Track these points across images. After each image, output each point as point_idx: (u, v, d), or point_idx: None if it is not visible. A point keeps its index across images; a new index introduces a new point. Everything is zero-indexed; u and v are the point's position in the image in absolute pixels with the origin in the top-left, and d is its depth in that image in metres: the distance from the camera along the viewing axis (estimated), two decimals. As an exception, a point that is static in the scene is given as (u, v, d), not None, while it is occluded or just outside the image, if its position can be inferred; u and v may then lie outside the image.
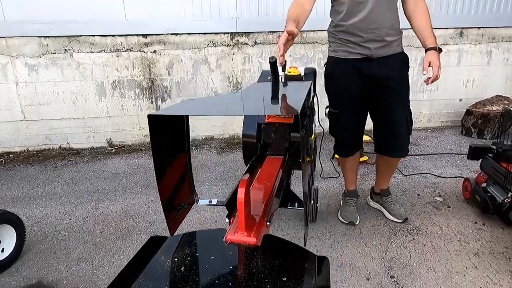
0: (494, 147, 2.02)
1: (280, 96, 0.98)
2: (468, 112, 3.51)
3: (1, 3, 2.96)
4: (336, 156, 2.16)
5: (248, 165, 1.26)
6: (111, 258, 1.79)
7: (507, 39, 3.67)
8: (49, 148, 3.40)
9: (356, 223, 2.02)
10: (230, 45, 3.34)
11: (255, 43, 3.37)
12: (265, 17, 3.29)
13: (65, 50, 3.17)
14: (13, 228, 1.75)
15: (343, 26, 1.74)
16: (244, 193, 0.92)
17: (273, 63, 1.48)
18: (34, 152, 3.36)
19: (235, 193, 1.04)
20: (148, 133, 3.30)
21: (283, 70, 1.80)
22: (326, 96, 1.93)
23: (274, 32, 3.35)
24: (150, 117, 0.85)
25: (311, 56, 3.47)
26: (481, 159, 2.12)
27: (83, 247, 1.89)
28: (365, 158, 2.91)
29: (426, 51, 1.73)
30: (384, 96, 1.82)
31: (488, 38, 3.65)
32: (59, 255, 1.82)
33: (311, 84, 1.29)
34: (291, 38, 1.44)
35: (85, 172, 2.91)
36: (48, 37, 3.12)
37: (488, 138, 3.42)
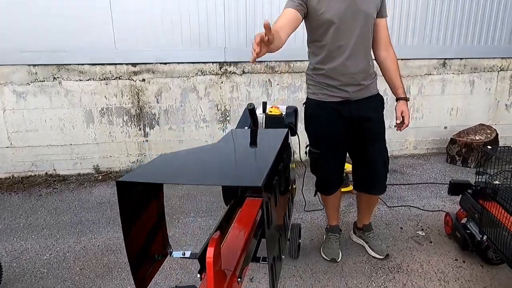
0: (473, 184, 2.05)
1: (248, 158, 1.00)
2: (452, 141, 3.57)
3: (-9, 33, 2.99)
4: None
5: (224, 214, 1.27)
6: (89, 298, 1.77)
7: (488, 70, 3.78)
8: (35, 175, 3.38)
9: (338, 260, 2.02)
10: (218, 74, 3.40)
11: (243, 72, 3.43)
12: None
13: (54, 78, 3.19)
14: (-11, 269, 1.72)
15: (322, 69, 1.79)
16: (213, 252, 0.93)
17: (251, 110, 1.51)
18: (20, 178, 3.33)
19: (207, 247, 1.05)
20: (136, 161, 3.26)
21: (264, 111, 1.84)
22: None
23: (262, 61, 3.41)
24: (119, 184, 0.86)
25: (298, 85, 3.53)
26: (461, 195, 2.15)
27: (61, 286, 1.86)
28: (349, 188, 2.93)
29: (397, 100, 1.88)
30: (363, 137, 1.86)
31: (470, 69, 3.75)
32: (36, 295, 1.79)
33: (286, 133, 1.32)
34: (267, 40, 1.31)
35: (70, 201, 2.89)
36: (38, 65, 3.14)
37: (472, 166, 3.47)
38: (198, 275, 1.06)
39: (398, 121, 1.86)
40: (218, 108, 3.49)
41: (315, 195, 2.08)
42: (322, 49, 1.76)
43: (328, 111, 1.83)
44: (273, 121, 1.83)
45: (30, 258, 2.11)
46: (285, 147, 1.26)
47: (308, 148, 1.96)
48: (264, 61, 3.42)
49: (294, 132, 1.91)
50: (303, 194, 2.52)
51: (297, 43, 3.36)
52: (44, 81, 3.19)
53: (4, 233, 2.41)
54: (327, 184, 2.01)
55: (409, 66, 3.63)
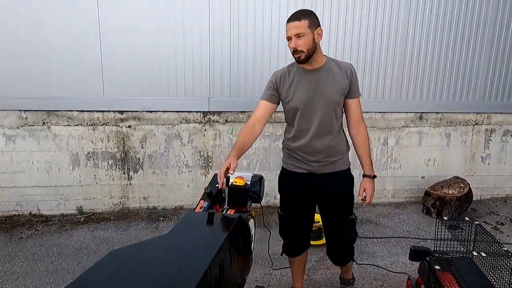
0: (431, 252, 2.14)
1: (184, 266, 1.09)
2: (427, 193, 3.68)
3: (-14, 80, 3.15)
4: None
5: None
6: None
7: (463, 123, 3.93)
8: (19, 214, 3.46)
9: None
10: (202, 122, 3.54)
11: (226, 121, 3.58)
12: (236, 98, 3.52)
13: (44, 123, 3.33)
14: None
15: (290, 146, 1.99)
16: None
17: (208, 193, 1.63)
18: (3, 218, 3.41)
19: None
20: (119, 203, 3.32)
21: (227, 184, 1.95)
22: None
23: (244, 112, 3.56)
24: None
25: (279, 134, 3.67)
26: (419, 262, 2.23)
27: None
28: (322, 241, 3.01)
29: (363, 176, 2.00)
30: (329, 208, 2.01)
31: (446, 122, 3.91)
32: None
33: (237, 220, 1.42)
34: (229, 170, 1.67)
35: (49, 247, 2.96)
36: (28, 111, 3.29)
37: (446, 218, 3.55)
38: None
39: (360, 198, 1.99)
40: (201, 155, 3.62)
41: (281, 254, 2.19)
42: (291, 129, 1.98)
43: (295, 180, 2.01)
44: (237, 192, 1.94)
45: (1, 312, 2.17)
46: (232, 237, 1.37)
47: (279, 210, 2.12)
48: (247, 111, 3.57)
49: (257, 200, 2.02)
50: (269, 253, 2.56)
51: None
52: (33, 125, 3.33)
53: (-20, 281, 2.48)
54: (292, 246, 2.13)
55: (387, 118, 3.78)
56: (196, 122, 3.54)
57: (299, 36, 1.76)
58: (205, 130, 3.57)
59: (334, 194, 1.97)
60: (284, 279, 2.55)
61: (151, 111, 3.45)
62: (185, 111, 3.49)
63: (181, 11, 3.28)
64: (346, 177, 2.02)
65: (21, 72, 3.18)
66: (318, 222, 3.07)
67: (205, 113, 3.53)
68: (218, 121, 3.57)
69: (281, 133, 3.67)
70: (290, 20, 1.78)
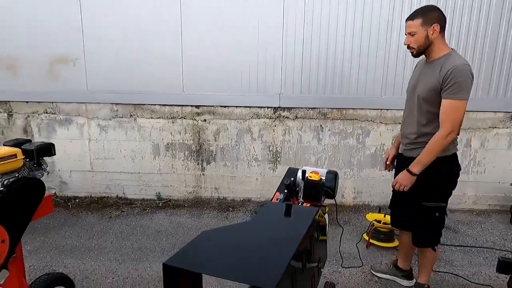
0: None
1: (271, 249, 1.15)
2: (517, 202, 3.32)
3: (86, 77, 3.59)
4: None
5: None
6: (139, 327, 2.04)
7: None
8: (108, 197, 3.89)
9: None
10: (272, 117, 3.62)
11: (296, 117, 3.61)
12: (307, 95, 3.53)
13: (131, 115, 3.69)
14: (66, 289, 2.09)
15: None
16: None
17: (287, 185, 1.68)
18: (96, 199, 3.87)
19: None
20: (192, 191, 3.58)
21: (303, 178, 1.99)
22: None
23: (314, 108, 3.56)
24: (166, 267, 1.06)
25: (350, 131, 3.60)
26: (509, 276, 2.04)
27: (119, 311, 2.17)
28: (395, 243, 2.90)
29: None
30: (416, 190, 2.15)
31: (544, 124, 3.47)
32: (98, 317, 2.12)
33: (316, 213, 1.45)
34: None
35: (133, 227, 3.28)
36: (118, 104, 3.67)
37: (540, 232, 3.18)
38: None
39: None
40: (270, 149, 3.70)
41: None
42: None
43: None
44: (312, 186, 1.96)
45: (97, 280, 2.48)
46: (312, 228, 1.40)
47: (436, 206, 2.12)
48: (317, 108, 3.56)
49: (331, 196, 2.02)
50: (340, 251, 2.55)
51: (350, 93, 3.47)
52: (122, 117, 3.70)
53: (79, 251, 2.85)
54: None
55: (470, 118, 3.47)
56: (267, 118, 3.62)
57: (411, 34, 1.97)
58: (275, 126, 3.64)
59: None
60: (353, 278, 2.52)
61: (225, 106, 3.62)
62: (256, 107, 3.60)
63: (256, 8, 3.37)
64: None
65: (113, 70, 3.56)
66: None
67: (275, 109, 3.60)
68: (288, 117, 3.61)
69: (351, 130, 3.60)
70: (407, 19, 2.00)
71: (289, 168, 2.14)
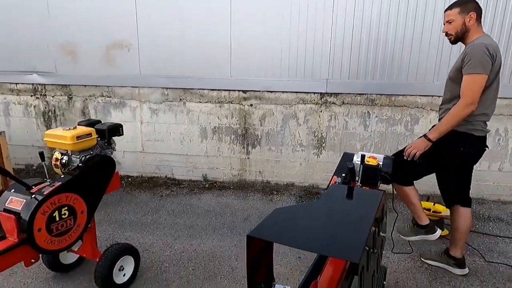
0: None
1: (347, 225, 1.20)
2: None
3: (139, 62, 3.75)
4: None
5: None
6: (199, 297, 2.18)
7: None
8: (158, 177, 4.10)
9: None
10: (318, 103, 3.62)
11: (343, 103, 3.59)
12: (355, 80, 3.49)
13: (180, 99, 3.84)
14: (133, 258, 2.27)
15: None
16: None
17: (351, 169, 1.71)
18: (146, 178, 4.09)
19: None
20: (237, 174, 3.70)
21: (362, 162, 2.01)
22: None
23: (362, 94, 3.52)
24: (249, 238, 1.14)
25: (398, 118, 3.53)
26: None
27: (179, 281, 2.33)
28: (445, 232, 2.87)
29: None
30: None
31: None
32: (161, 285, 2.29)
33: (382, 196, 1.48)
34: None
35: (184, 205, 3.46)
36: (169, 88, 3.82)
37: None
38: (296, 311, 1.31)
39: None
40: (315, 135, 3.72)
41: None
42: None
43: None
44: (369, 171, 1.98)
45: (156, 252, 2.67)
46: (379, 210, 1.43)
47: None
48: (365, 94, 3.52)
49: (388, 181, 2.03)
50: (392, 236, 2.57)
51: (401, 78, 3.40)
52: (172, 101, 3.85)
53: (137, 226, 3.06)
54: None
55: (530, 106, 3.30)
56: (313, 103, 3.63)
57: (449, 22, 2.16)
58: (321, 111, 3.65)
59: (439, 149, 2.29)
60: (402, 264, 2.53)
61: (272, 91, 3.66)
62: (302, 92, 3.61)
63: (307, -6, 3.35)
64: (452, 136, 2.18)
65: (165, 55, 3.69)
66: (440, 212, 2.94)
67: (322, 95, 3.60)
68: (334, 103, 3.60)
69: (400, 117, 3.53)
70: (445, 10, 2.18)
71: (344, 153, 2.17)
